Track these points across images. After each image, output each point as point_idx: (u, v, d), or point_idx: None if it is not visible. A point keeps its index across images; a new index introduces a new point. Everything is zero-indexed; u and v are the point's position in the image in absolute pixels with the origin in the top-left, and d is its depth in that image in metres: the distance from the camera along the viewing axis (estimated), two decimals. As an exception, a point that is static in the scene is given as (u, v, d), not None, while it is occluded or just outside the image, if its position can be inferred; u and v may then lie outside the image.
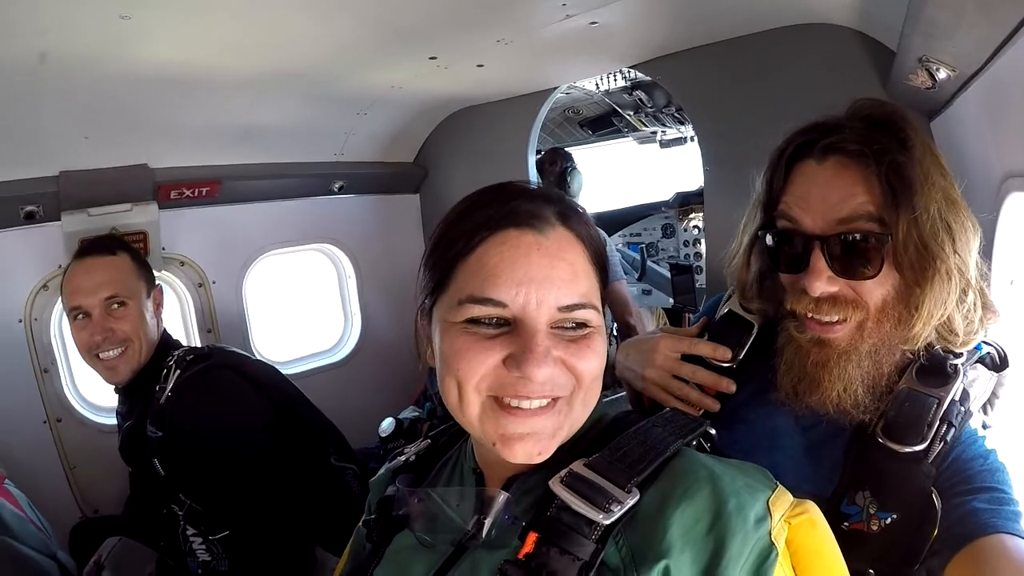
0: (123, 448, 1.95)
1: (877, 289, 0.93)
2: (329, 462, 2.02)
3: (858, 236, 0.91)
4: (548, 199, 0.77)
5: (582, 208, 0.81)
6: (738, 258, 1.11)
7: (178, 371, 1.78)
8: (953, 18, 1.03)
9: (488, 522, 0.74)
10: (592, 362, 0.74)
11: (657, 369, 1.15)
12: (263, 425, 1.81)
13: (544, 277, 0.71)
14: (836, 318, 0.94)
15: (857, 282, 0.92)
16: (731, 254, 1.13)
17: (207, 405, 1.75)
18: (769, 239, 1.01)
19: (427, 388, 2.77)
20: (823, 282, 0.92)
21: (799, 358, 1.00)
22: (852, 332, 0.95)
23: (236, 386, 1.82)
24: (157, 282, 1.97)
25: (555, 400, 0.73)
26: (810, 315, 0.96)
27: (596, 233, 0.80)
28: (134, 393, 1.88)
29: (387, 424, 2.53)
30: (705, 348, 1.14)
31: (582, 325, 0.74)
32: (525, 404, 0.72)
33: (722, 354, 1.12)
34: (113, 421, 2.30)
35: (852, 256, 0.91)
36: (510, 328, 0.72)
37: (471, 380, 0.72)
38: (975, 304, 0.94)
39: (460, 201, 0.79)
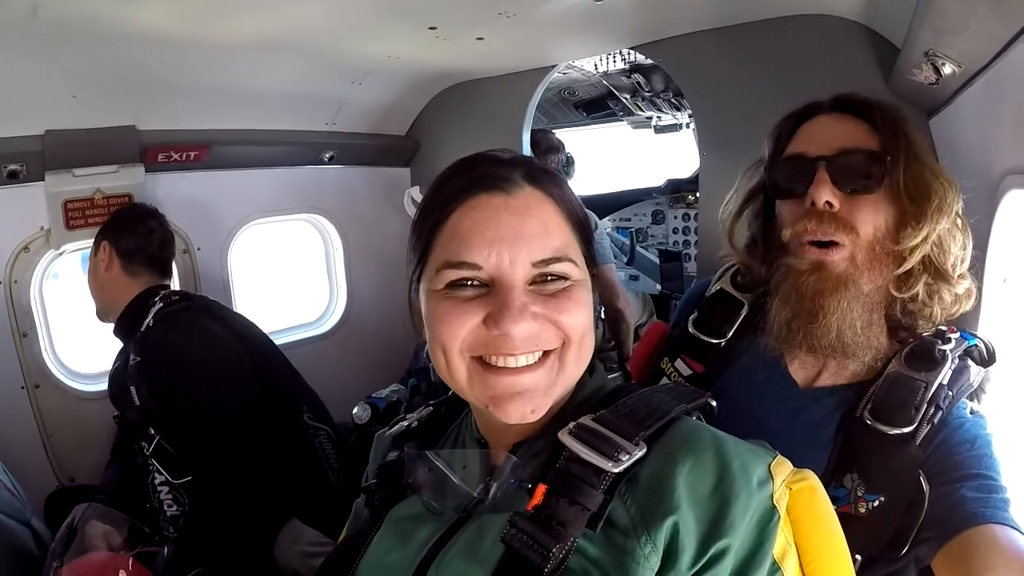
0: (110, 388, 2.06)
1: (872, 216, 0.99)
2: (302, 419, 2.07)
3: (860, 156, 0.99)
4: (515, 163, 0.78)
5: (553, 169, 0.84)
6: (731, 204, 1.18)
7: (161, 305, 1.94)
8: (963, 12, 1.03)
9: (495, 486, 0.74)
10: (576, 315, 0.74)
11: None
12: (234, 366, 1.92)
13: (515, 235, 0.72)
14: (833, 237, 1.00)
15: (856, 199, 0.99)
16: (726, 201, 1.20)
17: (181, 335, 1.89)
18: (777, 170, 1.08)
19: (412, 364, 2.75)
20: (826, 191, 0.99)
21: (797, 289, 1.03)
22: (847, 260, 1.00)
23: (211, 326, 1.96)
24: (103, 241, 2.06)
25: (546, 355, 0.74)
26: (808, 237, 1.01)
27: (570, 193, 0.80)
28: (123, 333, 2.01)
29: (362, 411, 2.39)
30: None
31: (561, 278, 0.74)
32: (511, 363, 0.72)
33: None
34: (92, 388, 2.30)
35: (853, 172, 0.99)
36: (488, 289, 0.72)
37: (454, 343, 0.73)
38: (965, 244, 1.01)
39: (437, 176, 0.80)
